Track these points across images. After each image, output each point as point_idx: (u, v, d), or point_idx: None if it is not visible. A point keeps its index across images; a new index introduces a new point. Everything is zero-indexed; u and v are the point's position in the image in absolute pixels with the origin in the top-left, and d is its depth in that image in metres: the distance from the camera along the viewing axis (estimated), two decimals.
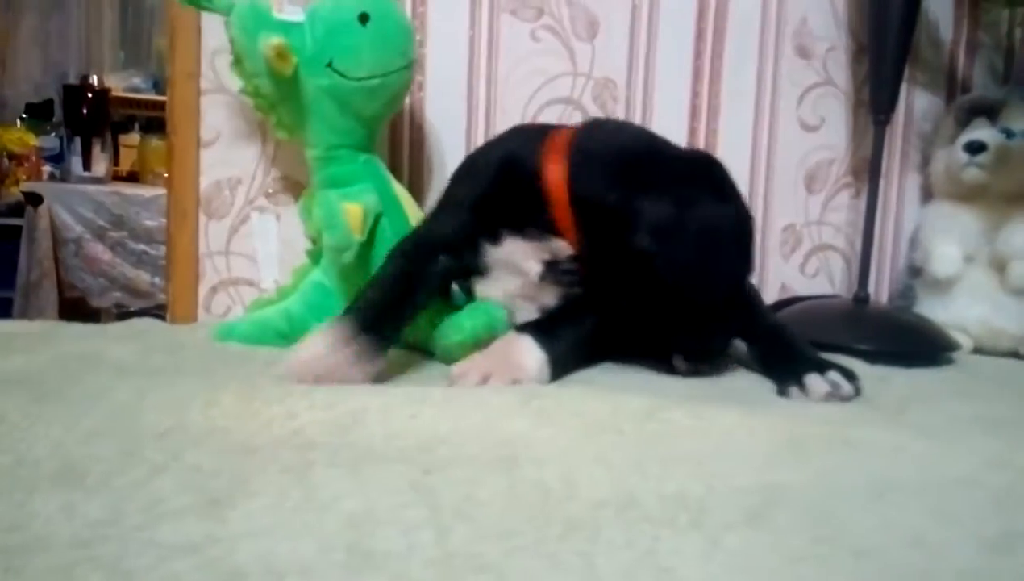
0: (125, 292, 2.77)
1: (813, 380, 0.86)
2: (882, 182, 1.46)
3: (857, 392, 0.86)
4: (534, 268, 0.94)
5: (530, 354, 0.85)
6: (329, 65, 1.02)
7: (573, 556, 0.43)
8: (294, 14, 1.03)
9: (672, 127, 1.32)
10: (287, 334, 1.02)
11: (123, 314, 2.70)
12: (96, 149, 3.12)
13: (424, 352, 1.02)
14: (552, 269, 0.94)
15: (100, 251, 2.87)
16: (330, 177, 1.05)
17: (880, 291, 1.49)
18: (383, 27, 1.04)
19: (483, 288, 0.98)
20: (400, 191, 1.10)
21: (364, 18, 1.02)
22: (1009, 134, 1.30)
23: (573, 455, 0.61)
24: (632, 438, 0.66)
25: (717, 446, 0.65)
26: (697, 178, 0.88)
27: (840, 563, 0.45)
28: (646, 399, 0.74)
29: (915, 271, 1.38)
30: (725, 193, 0.89)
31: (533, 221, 0.92)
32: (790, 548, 0.46)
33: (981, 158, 1.28)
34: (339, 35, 1.02)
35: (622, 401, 0.73)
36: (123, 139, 3.33)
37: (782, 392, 0.87)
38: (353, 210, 0.99)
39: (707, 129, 1.34)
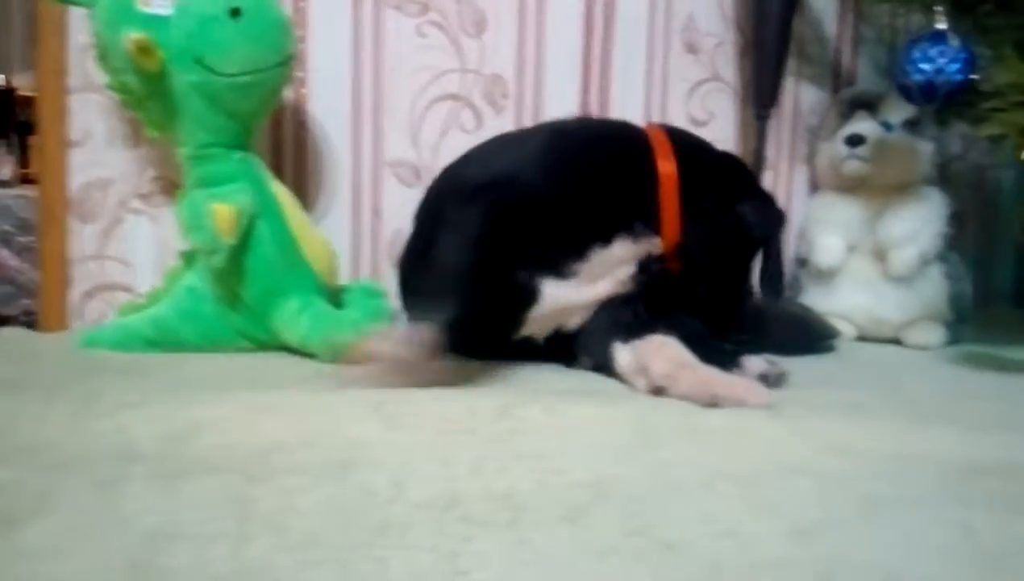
0: (34, 299, 2.64)
1: (750, 360, 0.93)
2: (771, 175, 1.49)
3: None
4: (628, 270, 0.95)
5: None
6: (198, 61, 0.98)
7: (369, 562, 0.42)
8: (161, 7, 1.00)
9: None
10: (156, 341, 0.99)
11: (32, 322, 2.58)
12: (1, 151, 2.99)
13: (302, 354, 1.00)
14: (644, 268, 0.96)
15: (7, 257, 2.74)
16: (202, 177, 1.02)
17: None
18: (256, 22, 1.01)
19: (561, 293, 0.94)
20: (280, 192, 1.07)
21: (235, 12, 0.99)
22: (888, 127, 1.33)
23: (414, 458, 0.60)
24: (482, 438, 0.66)
25: (565, 441, 0.65)
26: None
27: (647, 557, 0.45)
28: (503, 398, 0.73)
29: (801, 262, 1.41)
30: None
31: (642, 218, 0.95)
32: (600, 543, 0.46)
33: (860, 150, 1.31)
34: (209, 30, 0.98)
35: (479, 401, 0.72)
36: (32, 140, 3.18)
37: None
38: (221, 211, 0.96)
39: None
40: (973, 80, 1.03)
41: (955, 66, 1.02)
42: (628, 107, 1.36)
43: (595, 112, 1.34)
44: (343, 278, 1.20)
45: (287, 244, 1.03)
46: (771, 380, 0.88)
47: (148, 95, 1.01)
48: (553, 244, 0.91)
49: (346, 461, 0.59)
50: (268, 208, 1.03)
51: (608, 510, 0.51)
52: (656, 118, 1.38)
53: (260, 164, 1.06)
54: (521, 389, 0.80)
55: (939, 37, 1.04)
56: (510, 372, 0.91)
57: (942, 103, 1.06)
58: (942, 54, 1.03)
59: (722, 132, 1.43)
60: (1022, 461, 0.63)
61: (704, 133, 1.40)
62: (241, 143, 1.04)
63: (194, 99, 1.00)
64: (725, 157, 1.06)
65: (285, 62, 1.04)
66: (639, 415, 0.71)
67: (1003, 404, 0.89)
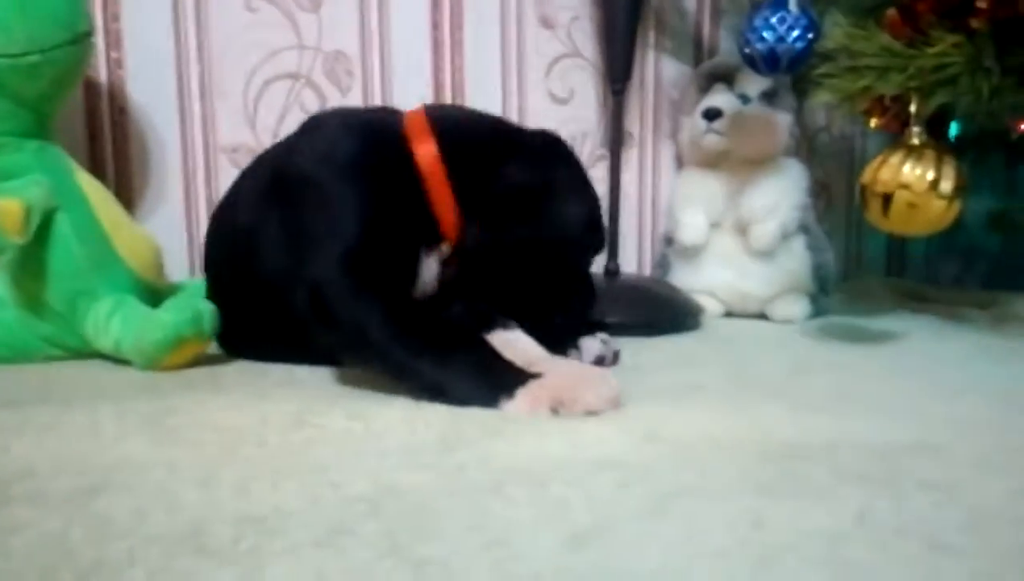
0: None
1: (587, 341, 0.89)
2: (636, 152, 1.46)
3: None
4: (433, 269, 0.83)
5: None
6: None
7: None
8: None
9: (416, 104, 1.25)
10: None
11: None
12: None
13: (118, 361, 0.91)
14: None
15: None
16: None
17: (643, 262, 1.49)
18: None
19: None
20: (88, 183, 0.97)
21: None
22: (745, 99, 1.32)
23: (176, 479, 0.53)
24: (270, 451, 0.59)
25: (361, 449, 0.59)
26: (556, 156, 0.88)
27: (396, 575, 0.39)
28: (300, 403, 0.67)
29: (668, 240, 1.39)
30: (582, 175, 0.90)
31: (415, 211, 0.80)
32: (346, 566, 0.40)
33: (718, 124, 1.29)
34: None
35: (273, 408, 0.65)
36: None
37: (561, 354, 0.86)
38: (7, 208, 0.86)
39: (454, 104, 1.29)
40: (814, 47, 1.01)
41: (795, 33, 1.00)
42: (485, 85, 1.31)
43: (449, 89, 1.28)
44: (178, 276, 1.11)
45: (96, 240, 0.94)
46: (606, 362, 0.85)
47: None
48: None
49: (95, 487, 0.51)
50: (71, 201, 0.93)
51: (374, 526, 0.45)
52: (514, 96, 1.33)
53: (61, 154, 0.96)
54: (326, 392, 0.74)
55: (780, 4, 1.02)
56: (317, 373, 0.84)
57: (786, 71, 1.04)
58: (782, 21, 1.01)
59: (584, 109, 1.40)
60: (837, 440, 0.61)
61: (566, 111, 1.37)
62: (35, 131, 0.94)
63: None
64: (499, 131, 0.87)
65: (78, 40, 0.94)
66: (452, 415, 0.66)
67: (848, 377, 0.88)
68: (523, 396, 0.67)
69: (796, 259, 1.30)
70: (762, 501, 0.48)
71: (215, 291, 0.94)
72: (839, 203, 1.67)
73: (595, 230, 0.91)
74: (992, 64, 0.87)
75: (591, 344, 0.89)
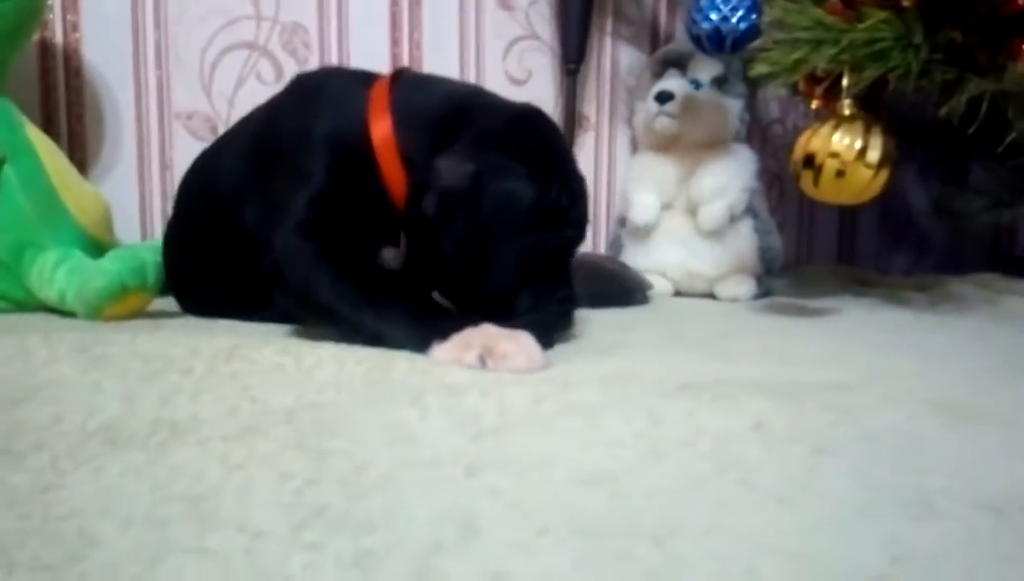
0: None
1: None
2: (592, 136, 1.49)
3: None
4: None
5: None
6: None
7: None
8: None
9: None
10: None
11: None
12: None
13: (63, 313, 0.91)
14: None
15: None
16: None
17: (598, 242, 1.52)
18: None
19: None
20: (37, 137, 0.97)
21: None
22: (697, 85, 1.35)
23: (99, 394, 0.54)
24: (199, 376, 0.60)
25: (289, 379, 0.60)
26: (509, 138, 0.77)
27: (299, 463, 0.41)
28: (233, 340, 0.68)
29: (621, 221, 1.42)
30: (541, 156, 0.77)
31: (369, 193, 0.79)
32: (254, 453, 0.42)
33: (669, 107, 1.32)
34: None
35: (205, 343, 0.66)
36: None
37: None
38: None
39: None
40: (758, 26, 1.04)
41: (740, 13, 1.03)
42: (443, 63, 1.33)
43: (407, 66, 1.30)
44: (130, 239, 1.11)
45: (43, 193, 0.94)
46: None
47: None
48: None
49: (17, 399, 0.52)
50: (20, 154, 0.94)
51: (286, 429, 0.47)
52: (472, 76, 1.35)
53: (11, 108, 0.97)
54: (262, 334, 0.75)
55: None
56: (264, 326, 0.85)
57: (731, 51, 1.07)
58: (726, 2, 1.04)
59: (541, 91, 1.42)
60: (749, 378, 0.63)
61: (523, 93, 1.39)
62: None
63: None
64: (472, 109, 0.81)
65: None
66: (384, 356, 0.66)
67: (777, 338, 0.90)
68: (456, 340, 0.68)
69: (744, 240, 1.33)
70: (659, 402, 0.50)
71: (181, 241, 0.95)
72: (792, 193, 1.70)
73: (546, 214, 0.76)
74: (920, 41, 0.90)
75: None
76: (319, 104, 0.83)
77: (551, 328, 0.79)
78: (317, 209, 0.78)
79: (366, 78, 0.85)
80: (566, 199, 0.78)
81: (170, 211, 1.18)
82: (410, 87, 0.83)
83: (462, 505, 0.35)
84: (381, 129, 0.79)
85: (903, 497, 0.38)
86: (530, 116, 0.82)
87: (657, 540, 0.31)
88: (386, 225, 0.81)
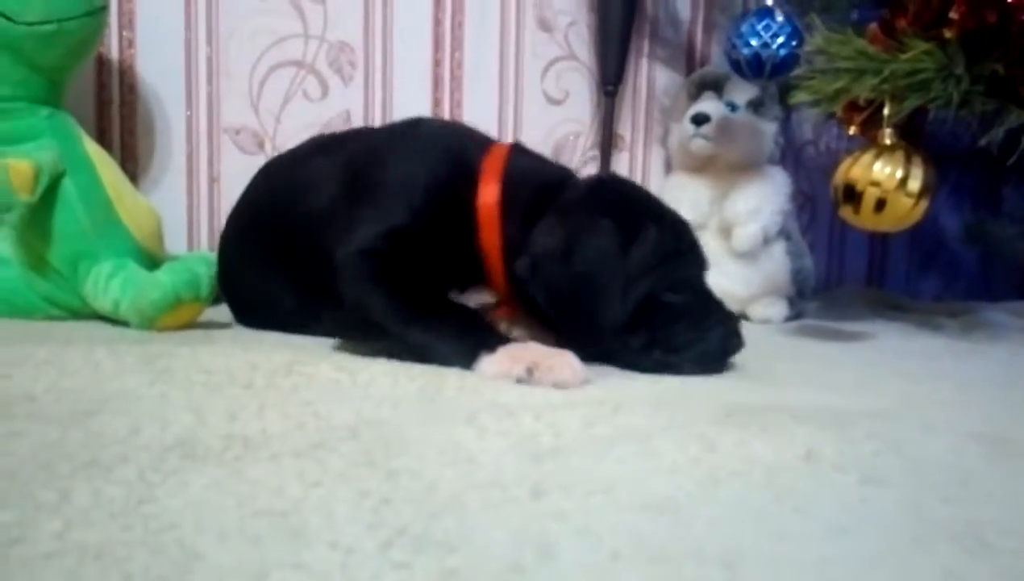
0: None
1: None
2: (627, 156, 1.51)
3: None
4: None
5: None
6: None
7: (53, 492, 0.39)
8: None
9: (415, 97, 1.30)
10: None
11: None
12: None
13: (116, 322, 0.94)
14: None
15: None
16: (5, 132, 0.95)
17: None
18: None
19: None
20: (94, 151, 1.01)
21: None
22: (733, 107, 1.37)
23: (168, 407, 0.56)
24: (260, 390, 0.62)
25: (346, 395, 0.62)
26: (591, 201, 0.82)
27: (371, 480, 0.43)
28: (289, 355, 0.70)
29: None
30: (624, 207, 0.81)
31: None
32: (328, 470, 0.44)
33: (705, 129, 1.34)
34: None
35: (263, 358, 0.69)
36: None
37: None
38: (18, 167, 0.89)
39: (451, 100, 1.33)
40: (798, 54, 1.06)
41: (780, 40, 1.05)
42: (483, 82, 1.35)
43: (447, 85, 1.33)
44: (178, 249, 1.14)
45: (100, 205, 0.98)
46: None
47: None
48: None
49: (91, 410, 0.54)
50: (78, 167, 0.97)
51: (352, 446, 0.49)
52: (511, 93, 1.38)
53: (71, 121, 1.00)
54: (317, 349, 0.78)
55: (767, 12, 1.07)
56: (315, 340, 0.88)
57: (770, 77, 1.09)
58: (767, 29, 1.06)
59: (578, 111, 1.44)
60: (794, 404, 0.64)
61: (560, 112, 1.42)
62: (48, 98, 0.98)
63: None
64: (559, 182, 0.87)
65: (94, 12, 0.98)
66: (436, 372, 0.69)
67: (813, 365, 0.92)
68: (503, 353, 0.71)
69: (776, 262, 1.34)
70: (710, 428, 0.52)
71: (246, 252, 0.97)
72: (823, 215, 1.71)
73: (652, 255, 0.78)
74: (961, 72, 0.91)
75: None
76: (432, 155, 0.87)
77: (721, 354, 0.82)
78: (386, 242, 0.82)
79: (484, 142, 0.90)
80: (668, 235, 0.81)
81: (217, 223, 1.22)
82: (521, 160, 0.88)
83: (534, 528, 0.37)
84: (489, 194, 0.83)
85: (954, 530, 0.39)
86: (606, 179, 0.91)
87: (727, 566, 0.33)
88: (463, 273, 0.85)
